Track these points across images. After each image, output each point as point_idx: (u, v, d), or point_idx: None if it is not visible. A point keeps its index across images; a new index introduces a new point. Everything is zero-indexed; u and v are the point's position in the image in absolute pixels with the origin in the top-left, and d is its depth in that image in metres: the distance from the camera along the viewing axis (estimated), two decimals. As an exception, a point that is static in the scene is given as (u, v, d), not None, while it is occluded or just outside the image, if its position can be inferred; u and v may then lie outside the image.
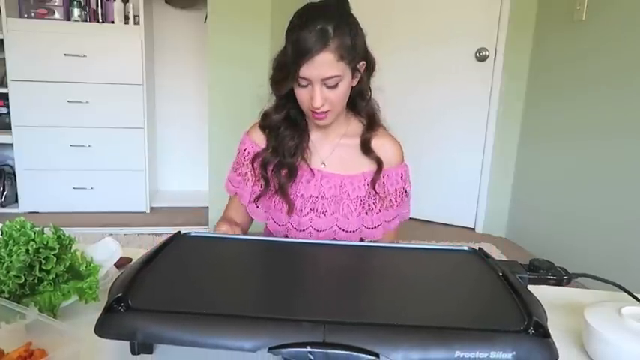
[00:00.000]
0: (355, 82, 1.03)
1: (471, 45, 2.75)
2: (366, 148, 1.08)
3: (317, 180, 1.08)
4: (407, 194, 1.12)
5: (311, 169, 1.09)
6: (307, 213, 1.08)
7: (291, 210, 1.07)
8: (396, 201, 1.10)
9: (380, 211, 1.09)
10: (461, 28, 2.76)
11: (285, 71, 0.97)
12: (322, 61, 0.93)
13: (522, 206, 2.76)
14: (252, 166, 1.10)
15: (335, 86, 0.98)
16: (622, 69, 2.02)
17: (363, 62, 1.03)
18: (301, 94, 1.00)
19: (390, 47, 2.82)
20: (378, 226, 1.10)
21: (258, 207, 1.12)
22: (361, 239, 1.10)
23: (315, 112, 1.00)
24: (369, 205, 1.09)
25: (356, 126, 1.11)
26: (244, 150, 1.13)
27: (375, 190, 1.08)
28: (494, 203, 2.89)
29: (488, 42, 2.71)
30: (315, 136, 1.11)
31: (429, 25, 2.83)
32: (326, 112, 1.00)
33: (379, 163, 1.07)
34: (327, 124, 1.04)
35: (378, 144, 1.09)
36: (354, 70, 1.00)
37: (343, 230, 1.08)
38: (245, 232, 1.16)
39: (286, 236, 1.08)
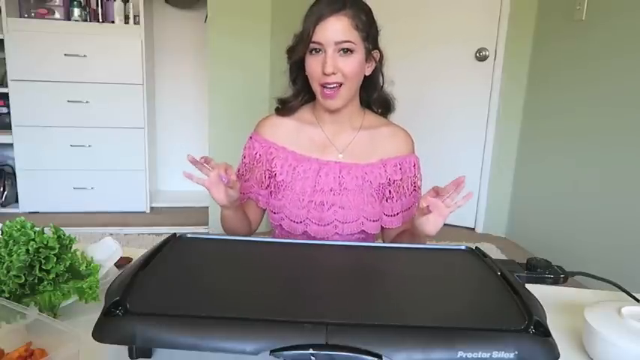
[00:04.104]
0: (369, 71, 1.04)
1: (471, 45, 2.75)
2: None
3: (336, 172, 1.05)
4: (418, 187, 1.11)
5: (328, 161, 1.06)
6: (330, 207, 1.05)
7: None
8: (407, 189, 1.09)
9: (398, 199, 1.09)
10: (461, 28, 2.76)
11: (300, 37, 0.98)
12: (337, 24, 0.95)
13: (522, 206, 2.76)
14: (269, 163, 1.08)
15: (348, 53, 0.96)
16: (622, 68, 2.02)
17: (377, 51, 1.04)
18: (312, 64, 0.98)
19: (389, 47, 2.82)
20: (397, 214, 1.09)
21: (281, 199, 1.07)
22: (382, 228, 1.11)
23: (326, 87, 0.98)
24: (389, 192, 1.08)
25: (371, 119, 1.11)
26: (256, 154, 1.09)
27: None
28: (494, 203, 2.89)
29: (488, 42, 2.71)
30: (329, 131, 1.08)
31: (429, 25, 2.83)
32: (337, 86, 0.98)
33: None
34: (337, 105, 1.01)
35: (390, 132, 1.10)
36: (368, 52, 1.01)
37: (369, 220, 1.06)
38: (254, 230, 1.15)
39: (305, 232, 1.05)
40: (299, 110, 1.11)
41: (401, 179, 1.08)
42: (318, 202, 1.05)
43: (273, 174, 1.07)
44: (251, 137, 1.12)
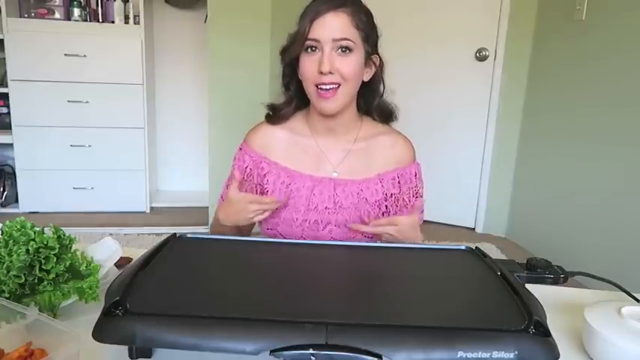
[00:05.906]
0: (368, 77, 0.99)
1: (471, 45, 2.75)
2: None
3: (330, 189, 1.00)
4: (420, 195, 1.07)
5: (322, 178, 1.01)
6: (325, 225, 1.00)
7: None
8: (409, 200, 1.04)
9: (396, 213, 1.04)
10: (461, 28, 2.76)
11: (295, 35, 0.92)
12: (335, 20, 0.89)
13: (522, 206, 2.75)
14: (261, 179, 1.03)
15: (347, 52, 0.90)
16: (622, 68, 2.01)
17: (377, 56, 0.98)
18: (307, 63, 0.91)
19: (389, 47, 2.82)
20: None
21: (274, 217, 1.01)
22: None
23: (322, 88, 0.91)
24: (386, 208, 1.04)
25: (369, 127, 1.05)
26: (246, 167, 1.03)
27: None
28: (494, 203, 2.89)
29: (488, 42, 2.71)
30: (323, 144, 1.02)
31: (429, 25, 2.83)
32: (334, 87, 0.91)
33: None
34: (333, 108, 0.94)
35: (389, 141, 1.04)
36: (368, 56, 0.95)
37: (366, 237, 1.02)
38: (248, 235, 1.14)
39: None
40: (291, 118, 1.04)
41: (399, 192, 1.04)
42: (313, 221, 1.00)
43: (265, 190, 1.02)
44: (241, 148, 1.06)
